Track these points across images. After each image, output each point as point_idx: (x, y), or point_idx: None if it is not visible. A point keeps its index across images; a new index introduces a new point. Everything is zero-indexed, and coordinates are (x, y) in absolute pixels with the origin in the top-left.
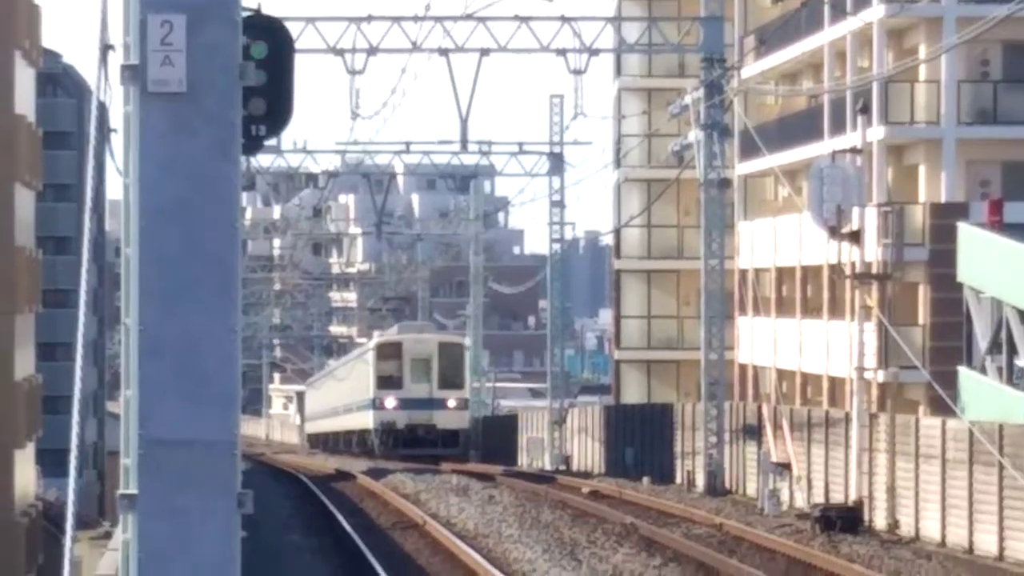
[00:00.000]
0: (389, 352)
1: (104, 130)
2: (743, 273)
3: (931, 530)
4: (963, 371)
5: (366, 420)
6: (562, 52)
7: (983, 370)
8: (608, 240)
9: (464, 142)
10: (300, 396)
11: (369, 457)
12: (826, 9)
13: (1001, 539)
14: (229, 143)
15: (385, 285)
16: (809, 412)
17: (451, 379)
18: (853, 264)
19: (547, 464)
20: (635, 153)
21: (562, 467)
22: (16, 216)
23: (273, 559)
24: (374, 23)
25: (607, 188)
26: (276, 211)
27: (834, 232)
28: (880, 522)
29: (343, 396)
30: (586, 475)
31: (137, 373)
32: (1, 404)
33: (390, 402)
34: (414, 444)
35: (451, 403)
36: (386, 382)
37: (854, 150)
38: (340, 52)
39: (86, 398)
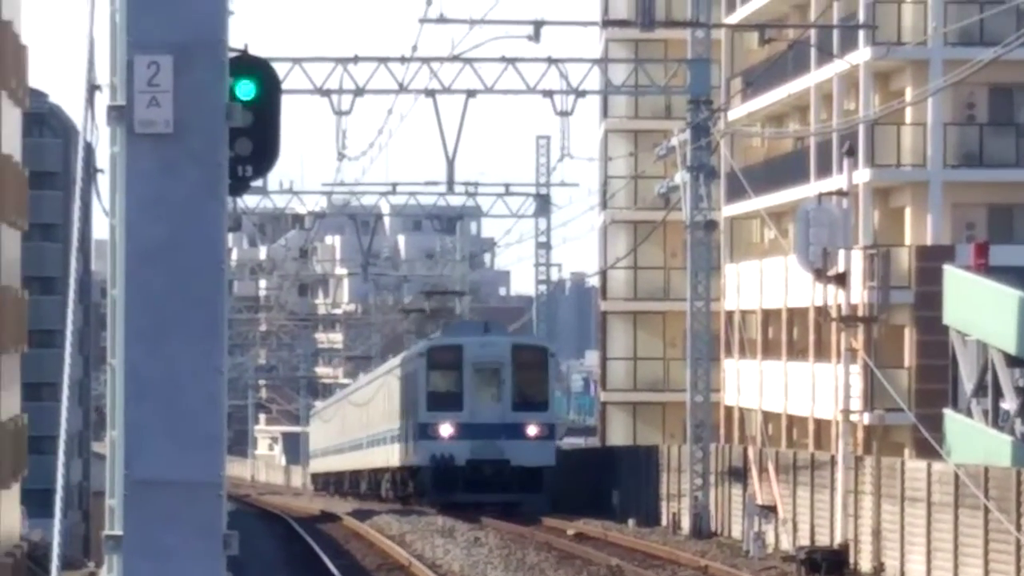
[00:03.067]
0: (444, 360)
1: (90, 170)
2: (729, 315)
3: (916, 573)
4: (949, 414)
5: (409, 454)
6: (549, 93)
7: (969, 413)
8: (594, 281)
9: (450, 183)
10: (287, 436)
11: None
12: (812, 51)
13: None
14: (215, 184)
15: (371, 326)
16: (795, 454)
17: (531, 397)
18: (839, 306)
19: None
20: (621, 195)
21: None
22: (2, 256)
23: None
24: (361, 64)
25: (593, 230)
26: (262, 252)
27: (820, 274)
28: (865, 565)
29: (371, 423)
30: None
31: (123, 413)
32: None
33: (445, 429)
34: (479, 487)
35: (531, 430)
36: (440, 401)
37: (840, 192)
38: (327, 93)
39: (72, 438)
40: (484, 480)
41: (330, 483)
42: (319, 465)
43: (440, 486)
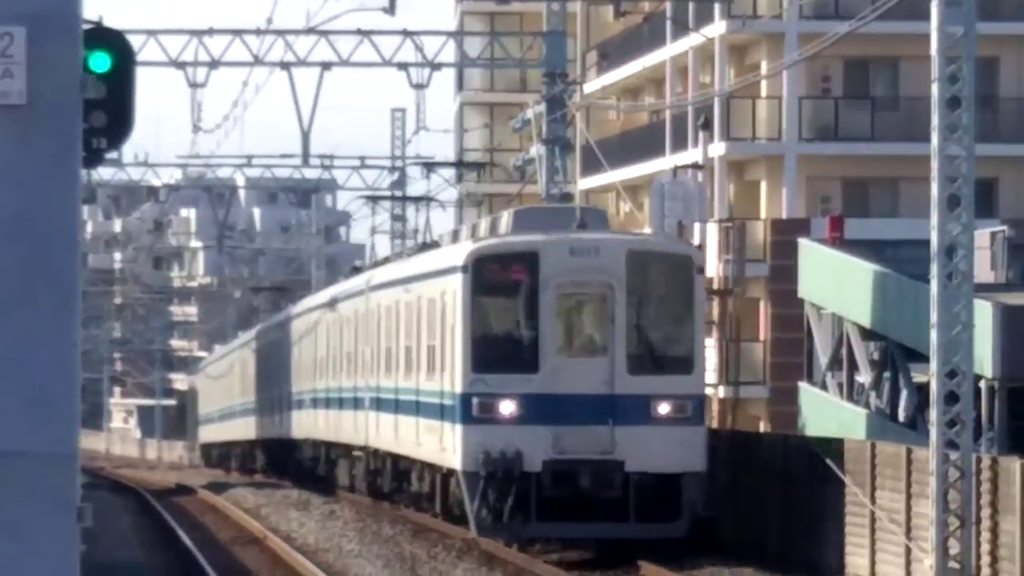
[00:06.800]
0: (503, 278)
1: None
2: None
3: (773, 547)
4: (804, 387)
5: (438, 449)
6: (404, 66)
7: (824, 386)
8: None
9: (306, 156)
10: (142, 410)
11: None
12: (668, 25)
13: (842, 554)
14: (69, 155)
15: (226, 299)
16: None
17: (664, 348)
18: None
19: None
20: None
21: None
22: None
23: (112, 575)
24: (216, 36)
25: (449, 202)
26: (117, 224)
27: None
28: (725, 538)
29: (326, 368)
30: None
31: None
32: None
33: (506, 406)
34: (568, 511)
35: (662, 408)
36: (495, 355)
37: (695, 166)
38: (181, 65)
39: None
40: (577, 498)
41: (232, 456)
42: (215, 432)
43: (497, 508)
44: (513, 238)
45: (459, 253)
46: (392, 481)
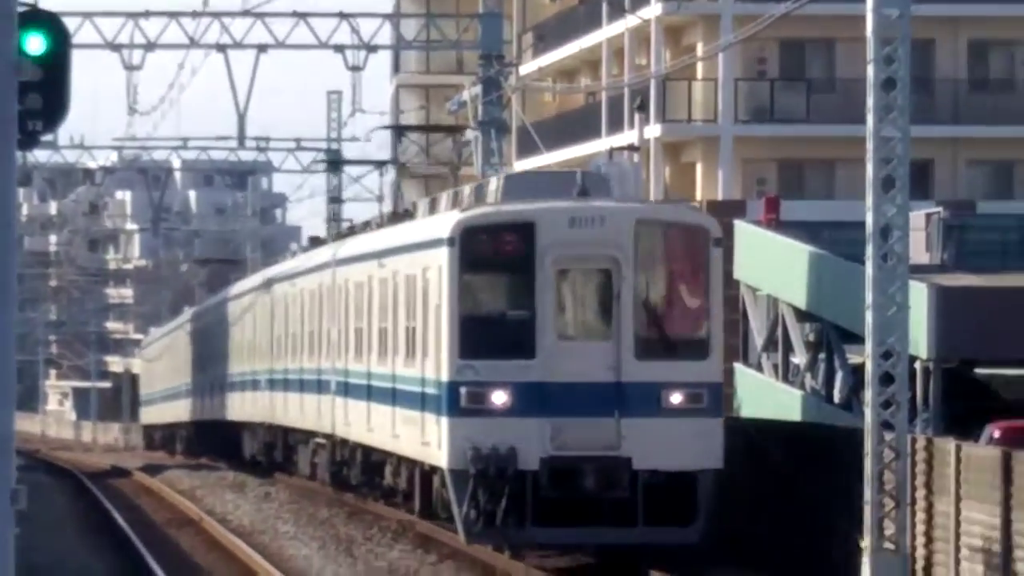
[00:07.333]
0: (495, 251)
1: None
2: None
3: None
4: (739, 368)
5: (419, 442)
6: (340, 48)
7: (759, 367)
8: None
9: (242, 138)
10: (78, 392)
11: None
12: (604, 6)
13: (784, 537)
14: (5, 138)
15: (162, 281)
16: None
17: (676, 329)
18: None
19: None
20: (413, 149)
21: None
22: None
23: (47, 556)
24: (152, 18)
25: (386, 184)
26: (52, 207)
27: None
28: None
29: (297, 351)
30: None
31: None
32: None
33: (499, 397)
34: (569, 515)
35: (675, 398)
36: (486, 338)
37: (631, 147)
38: (117, 48)
39: None
40: (578, 500)
41: (177, 439)
42: (158, 414)
43: (488, 510)
44: (505, 207)
45: (444, 224)
46: (361, 474)
